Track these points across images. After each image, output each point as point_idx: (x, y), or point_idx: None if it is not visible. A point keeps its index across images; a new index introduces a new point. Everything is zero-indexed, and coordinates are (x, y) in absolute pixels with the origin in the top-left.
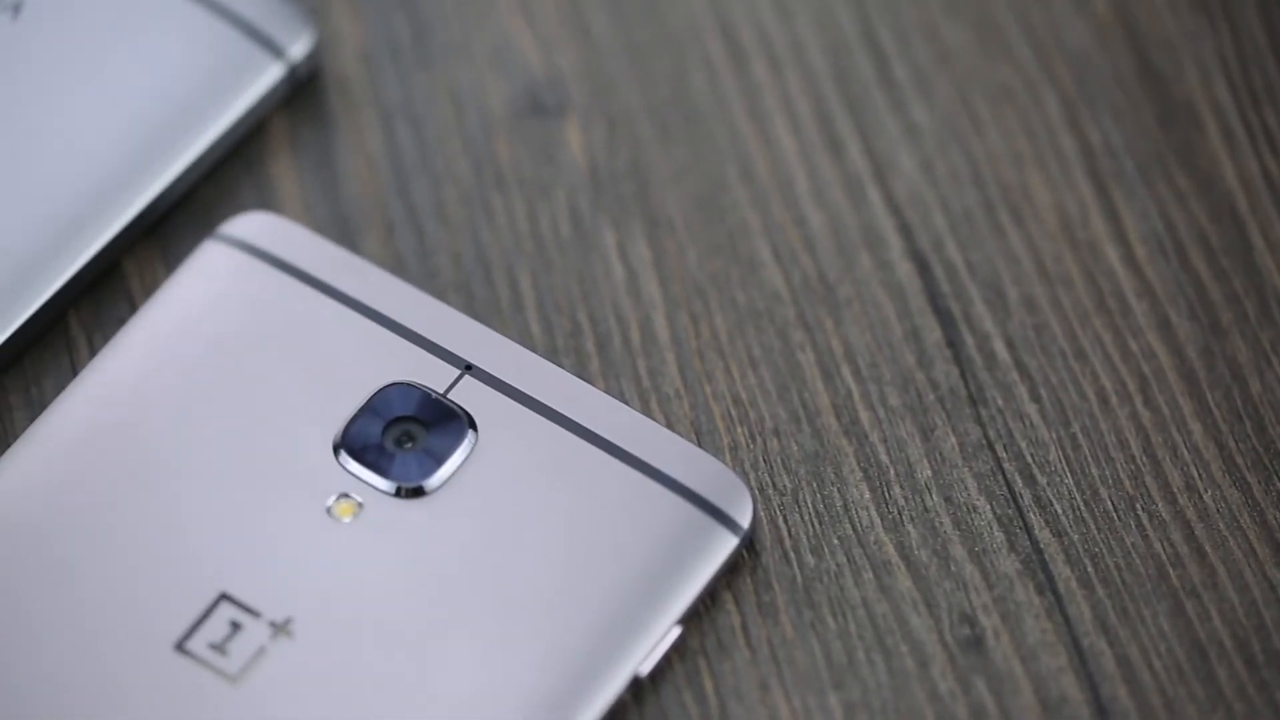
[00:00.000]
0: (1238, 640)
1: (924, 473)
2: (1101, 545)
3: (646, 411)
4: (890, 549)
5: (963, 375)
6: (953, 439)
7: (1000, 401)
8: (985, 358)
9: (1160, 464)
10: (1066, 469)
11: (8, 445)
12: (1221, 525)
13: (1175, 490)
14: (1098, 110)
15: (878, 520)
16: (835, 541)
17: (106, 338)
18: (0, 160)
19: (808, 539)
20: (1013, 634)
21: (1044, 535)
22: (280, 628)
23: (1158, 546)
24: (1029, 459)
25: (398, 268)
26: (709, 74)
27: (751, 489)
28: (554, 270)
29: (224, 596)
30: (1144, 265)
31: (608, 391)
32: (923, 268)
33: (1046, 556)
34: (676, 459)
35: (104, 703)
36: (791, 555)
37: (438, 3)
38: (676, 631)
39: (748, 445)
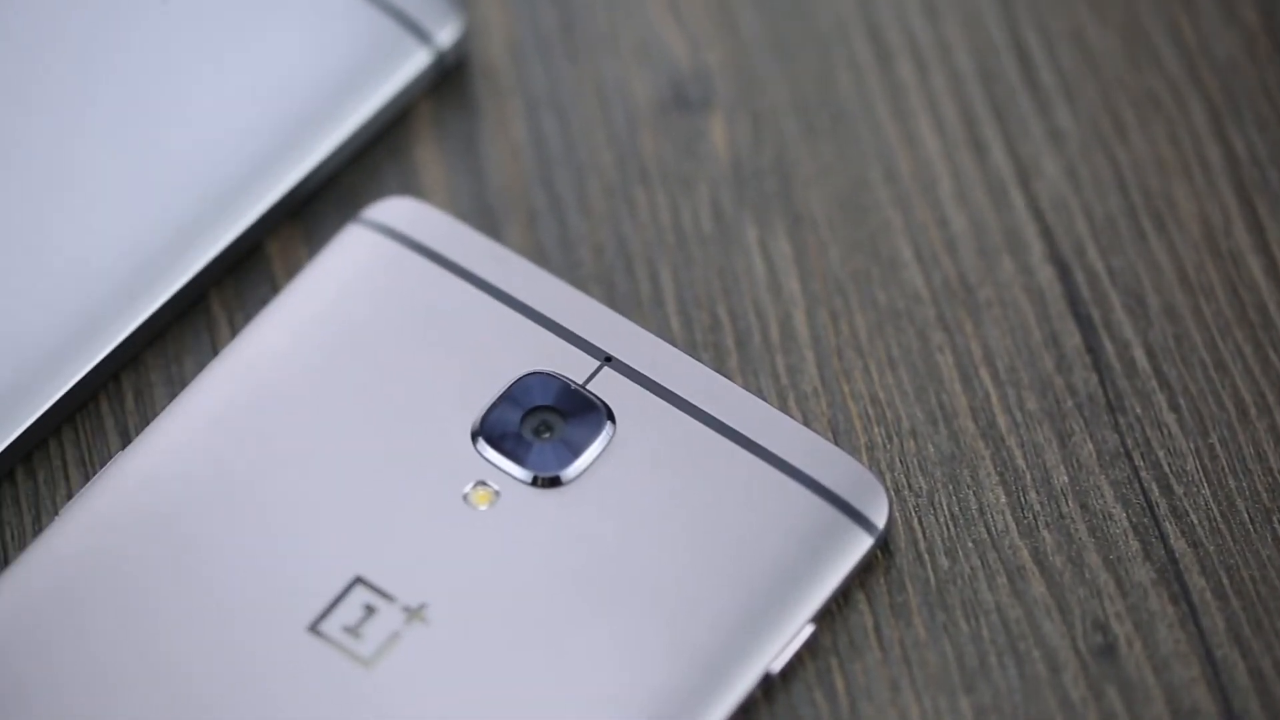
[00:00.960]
0: None
1: (1060, 479)
2: (1237, 557)
3: (784, 408)
4: (1025, 554)
5: (1101, 382)
6: (1090, 446)
7: (1139, 410)
8: (1124, 365)
9: None
10: (1204, 479)
11: (148, 422)
12: None
13: None
14: (1244, 120)
15: (1013, 525)
16: (970, 545)
17: (247, 318)
18: (152, 139)
19: (942, 541)
20: (1146, 643)
21: (1179, 545)
22: (414, 613)
23: None
24: (1166, 468)
25: (539, 257)
26: (855, 73)
27: (887, 489)
28: (695, 265)
29: (359, 580)
30: None
31: (745, 387)
32: (1064, 273)
33: (1181, 566)
34: (813, 457)
35: (237, 681)
36: (925, 557)
37: None
38: (809, 630)
39: (884, 445)
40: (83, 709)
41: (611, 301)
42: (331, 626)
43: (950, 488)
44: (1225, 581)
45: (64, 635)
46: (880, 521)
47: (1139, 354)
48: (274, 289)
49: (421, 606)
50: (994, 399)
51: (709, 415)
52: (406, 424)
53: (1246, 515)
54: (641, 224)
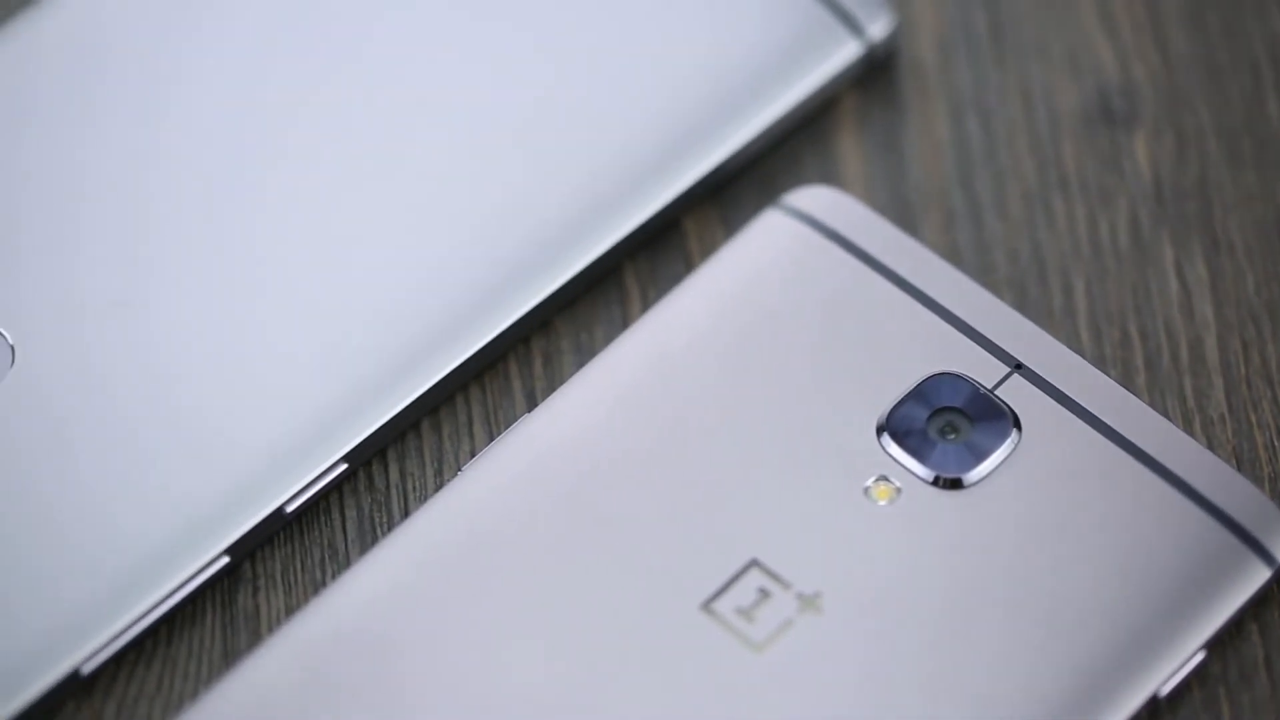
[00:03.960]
0: None
1: None
2: None
3: (1189, 432)
4: None
5: None
6: None
7: None
8: None
9: None
10: None
11: (554, 388)
12: None
13: None
14: None
15: None
16: None
17: (659, 293)
18: (584, 107)
19: None
20: None
21: None
22: (808, 601)
23: None
24: None
25: (953, 258)
26: None
27: None
28: (1109, 279)
29: (755, 563)
30: None
31: (1151, 406)
32: None
33: None
34: (1217, 482)
35: (626, 649)
36: None
37: (1018, 1)
38: (1200, 656)
39: None
40: (474, 659)
41: (1022, 308)
42: (724, 606)
43: None
44: None
45: (459, 586)
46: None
47: None
48: (687, 267)
49: (816, 595)
50: None
51: (1115, 431)
52: (811, 412)
53: None
54: (1058, 233)
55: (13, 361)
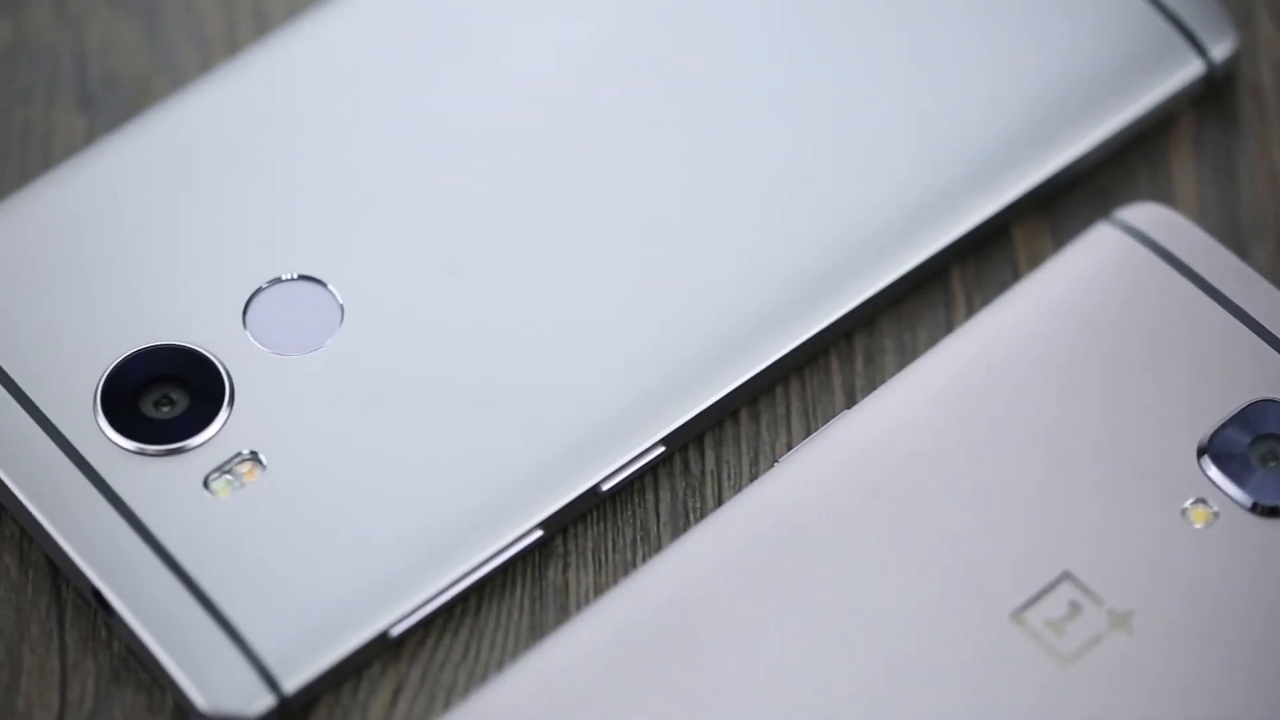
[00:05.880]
0: None
1: None
2: None
3: None
4: None
5: None
6: None
7: None
8: None
9: None
10: None
11: (874, 386)
12: None
13: None
14: None
15: None
16: None
17: (984, 299)
18: (922, 111)
19: None
20: None
21: None
22: (1119, 619)
23: None
24: None
25: None
26: None
27: None
28: None
29: (1067, 575)
30: None
31: None
32: None
33: None
34: None
35: (932, 654)
36: None
37: None
38: None
39: None
40: (779, 653)
41: None
42: (1034, 617)
43: None
44: None
45: (769, 580)
46: None
47: None
48: (1014, 274)
49: (1128, 614)
50: None
51: None
52: (1131, 427)
53: None
54: None
55: (342, 320)
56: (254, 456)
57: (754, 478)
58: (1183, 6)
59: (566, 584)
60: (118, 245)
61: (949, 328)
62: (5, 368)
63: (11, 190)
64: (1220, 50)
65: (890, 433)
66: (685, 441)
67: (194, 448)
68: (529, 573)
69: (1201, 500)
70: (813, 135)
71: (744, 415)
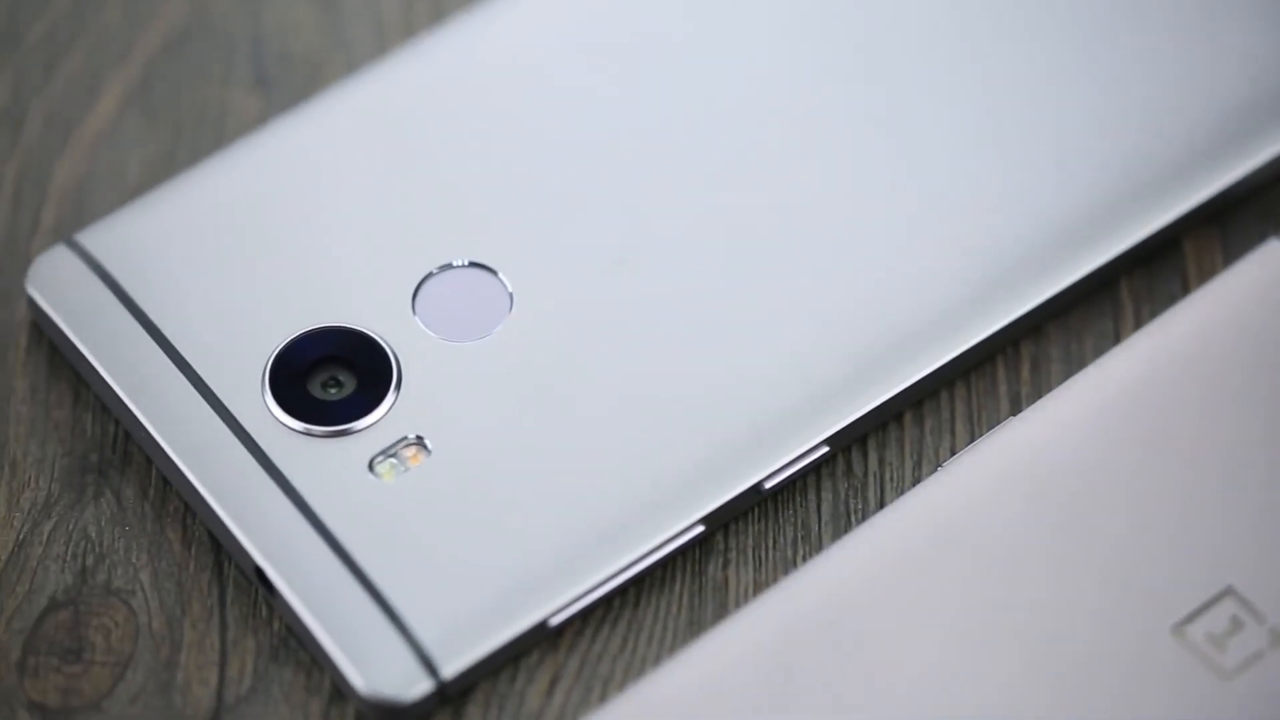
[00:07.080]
0: None
1: None
2: None
3: None
4: None
5: None
6: None
7: None
8: None
9: None
10: None
11: (1040, 394)
12: None
13: None
14: None
15: None
16: None
17: (1153, 311)
18: (1093, 120)
19: None
20: None
21: None
22: None
23: None
24: None
25: None
26: None
27: None
28: None
29: (1230, 590)
30: None
31: None
32: None
33: None
34: None
35: (1091, 664)
36: None
37: None
38: None
39: None
40: (940, 658)
41: None
42: (1196, 631)
43: None
44: None
45: (930, 584)
46: None
47: None
48: (1184, 288)
49: None
50: None
51: None
52: None
53: None
54: None
55: (511, 308)
56: (419, 441)
57: (917, 481)
58: None
59: (726, 581)
60: (289, 226)
61: (1117, 338)
62: (176, 344)
63: (185, 168)
64: None
65: (1055, 441)
66: (849, 442)
67: (360, 430)
68: (689, 568)
69: None
70: (988, 142)
71: (908, 419)
